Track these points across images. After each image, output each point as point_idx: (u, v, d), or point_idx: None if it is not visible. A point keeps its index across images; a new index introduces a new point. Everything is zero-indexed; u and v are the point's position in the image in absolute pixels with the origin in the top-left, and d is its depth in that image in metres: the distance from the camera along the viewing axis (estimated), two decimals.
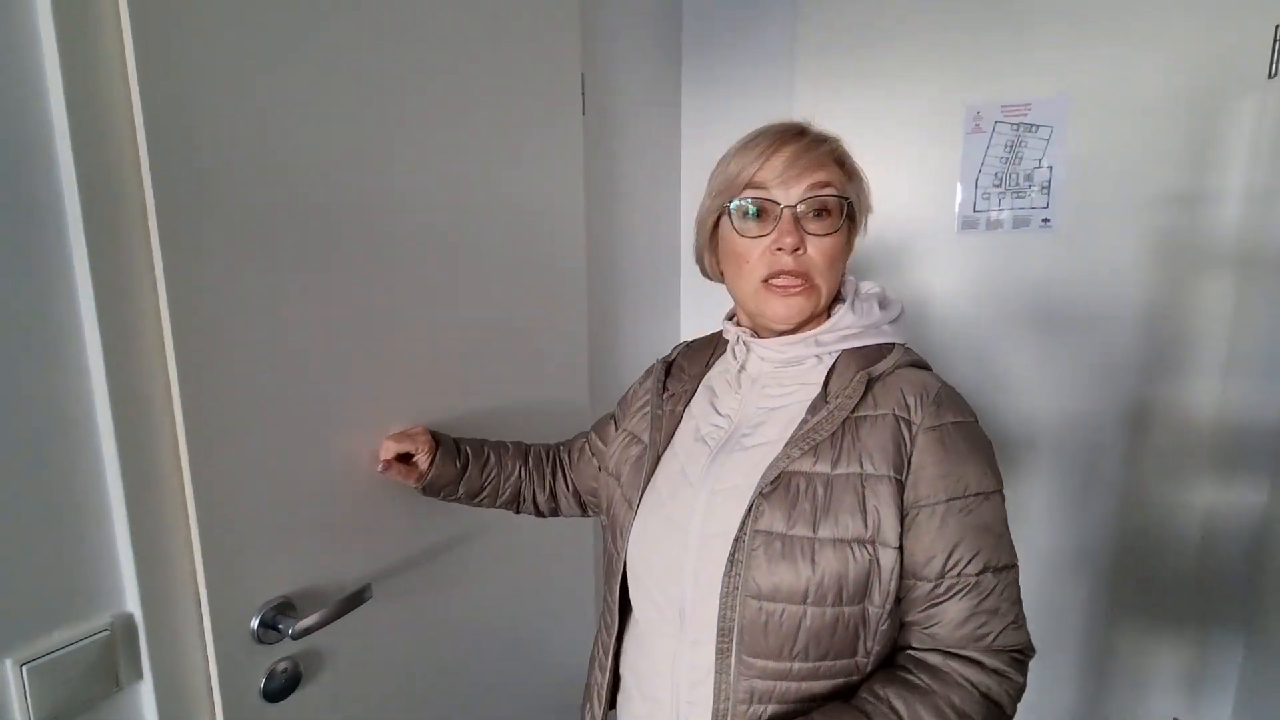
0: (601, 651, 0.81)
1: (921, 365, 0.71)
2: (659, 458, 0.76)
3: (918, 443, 0.63)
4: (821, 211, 0.67)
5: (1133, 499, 1.49)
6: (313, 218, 0.79)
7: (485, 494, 0.92)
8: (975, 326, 1.56)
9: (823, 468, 0.64)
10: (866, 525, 0.61)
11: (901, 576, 0.63)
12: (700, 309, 1.80)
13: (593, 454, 0.93)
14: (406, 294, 0.92)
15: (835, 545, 0.61)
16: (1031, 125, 1.45)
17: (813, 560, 0.61)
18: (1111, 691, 1.56)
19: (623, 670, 0.79)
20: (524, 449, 0.97)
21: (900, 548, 0.62)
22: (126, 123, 0.64)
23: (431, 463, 0.87)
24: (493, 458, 0.93)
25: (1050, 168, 1.45)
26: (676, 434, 0.77)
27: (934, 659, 0.62)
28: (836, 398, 0.66)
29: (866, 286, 0.76)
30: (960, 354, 1.57)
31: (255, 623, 0.76)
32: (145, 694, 0.70)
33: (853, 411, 0.65)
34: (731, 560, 0.64)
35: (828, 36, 1.59)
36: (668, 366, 0.84)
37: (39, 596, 0.62)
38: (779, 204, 0.67)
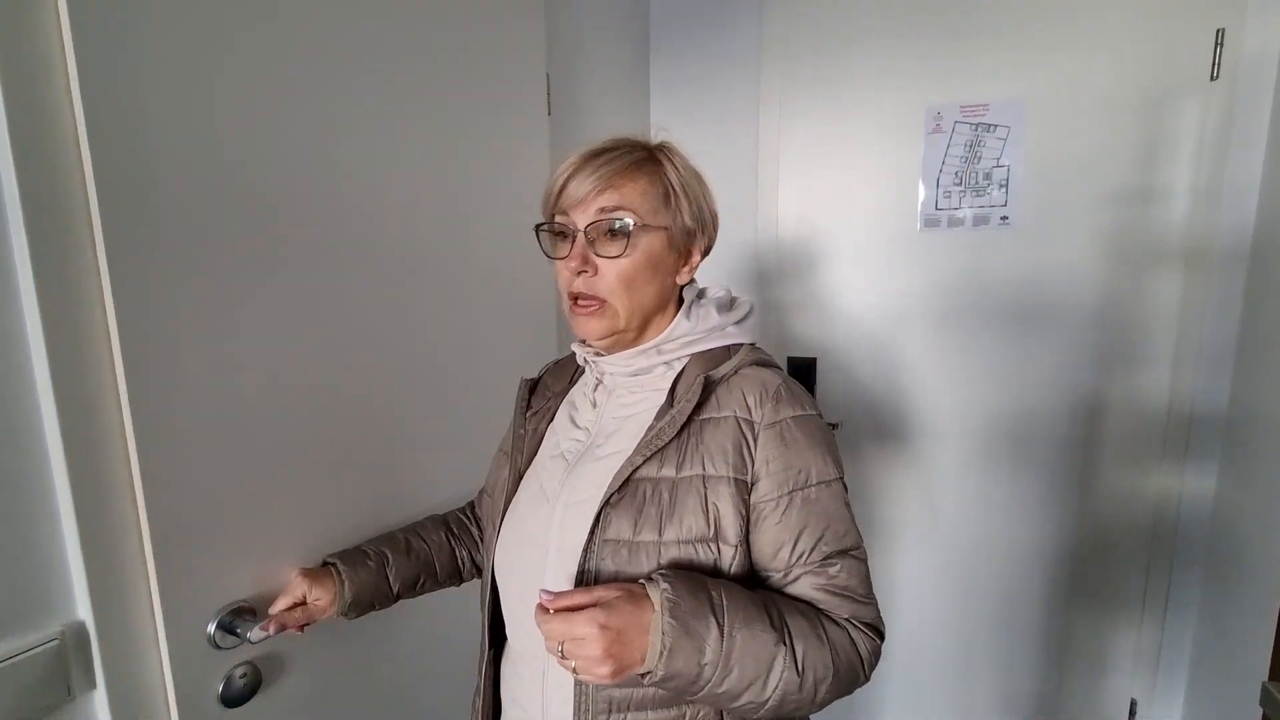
0: (481, 676, 0.79)
1: (767, 363, 0.72)
2: (521, 476, 0.76)
3: (759, 440, 0.65)
4: (613, 234, 0.67)
5: (1089, 487, 1.53)
6: (268, 219, 0.78)
7: (425, 577, 0.87)
8: (938, 322, 1.59)
9: (668, 472, 0.65)
10: (709, 525, 0.63)
11: (744, 568, 0.65)
12: None
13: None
14: (365, 295, 0.91)
15: (680, 546, 0.63)
16: (990, 125, 1.49)
17: (659, 561, 0.63)
18: (1072, 676, 1.60)
19: (502, 692, 0.78)
20: (440, 519, 0.93)
21: (741, 544, 0.64)
22: (69, 126, 0.62)
23: (342, 582, 0.80)
24: (412, 539, 0.88)
25: (1008, 166, 1.48)
26: (540, 452, 0.77)
27: (806, 606, 0.65)
28: (679, 402, 0.67)
29: (713, 291, 0.77)
30: (923, 349, 1.61)
31: (212, 628, 0.75)
32: (99, 703, 0.68)
33: (697, 414, 0.67)
34: (581, 572, 0.64)
35: (792, 39, 1.61)
36: (532, 385, 0.84)
37: None
38: (574, 226, 0.68)
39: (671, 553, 0.63)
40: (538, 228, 0.72)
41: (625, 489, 0.65)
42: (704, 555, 0.63)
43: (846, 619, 0.64)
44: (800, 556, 0.64)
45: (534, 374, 0.87)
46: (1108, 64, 1.39)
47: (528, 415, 0.81)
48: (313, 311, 0.85)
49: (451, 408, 1.06)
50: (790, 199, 1.67)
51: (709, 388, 0.67)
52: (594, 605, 0.57)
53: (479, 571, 0.91)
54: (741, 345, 0.73)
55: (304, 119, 0.81)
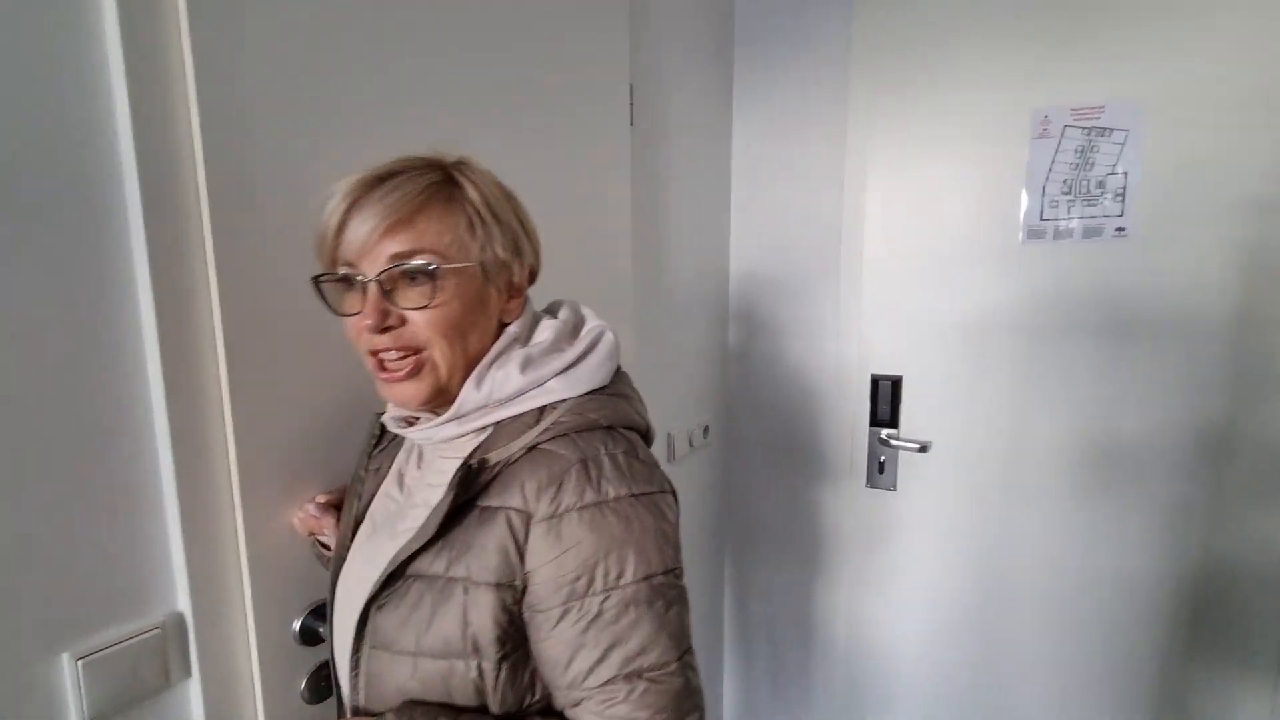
0: None
1: (583, 429, 0.57)
2: (357, 524, 0.68)
3: (530, 539, 0.54)
4: (413, 280, 0.55)
5: (1215, 526, 1.37)
6: None
7: None
8: (1041, 339, 1.47)
9: (438, 568, 0.56)
10: (464, 639, 0.54)
11: (519, 682, 0.56)
12: (749, 322, 1.77)
13: None
14: None
15: (434, 660, 0.55)
16: (1104, 129, 1.37)
17: (413, 672, 0.56)
18: None
19: None
20: None
21: (509, 657, 0.55)
22: (186, 130, 0.66)
23: None
24: None
25: (1125, 174, 1.36)
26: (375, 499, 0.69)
27: None
28: (447, 491, 0.56)
29: (542, 330, 0.63)
30: (1024, 368, 1.49)
31: (297, 625, 0.77)
32: (194, 692, 0.71)
33: (479, 501, 0.56)
34: (353, 672, 0.58)
35: (884, 39, 1.54)
36: (382, 418, 0.72)
37: (95, 594, 0.65)
38: (363, 276, 0.56)
39: (425, 666, 0.55)
40: (316, 280, 0.59)
41: (396, 584, 0.57)
42: (461, 672, 0.54)
43: None
44: (574, 680, 0.53)
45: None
46: (1238, 61, 1.25)
47: (374, 453, 0.71)
48: None
49: None
50: (878, 208, 1.60)
51: (481, 476, 0.56)
52: None
53: None
54: (561, 404, 0.59)
55: (395, 129, 0.83)
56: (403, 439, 0.70)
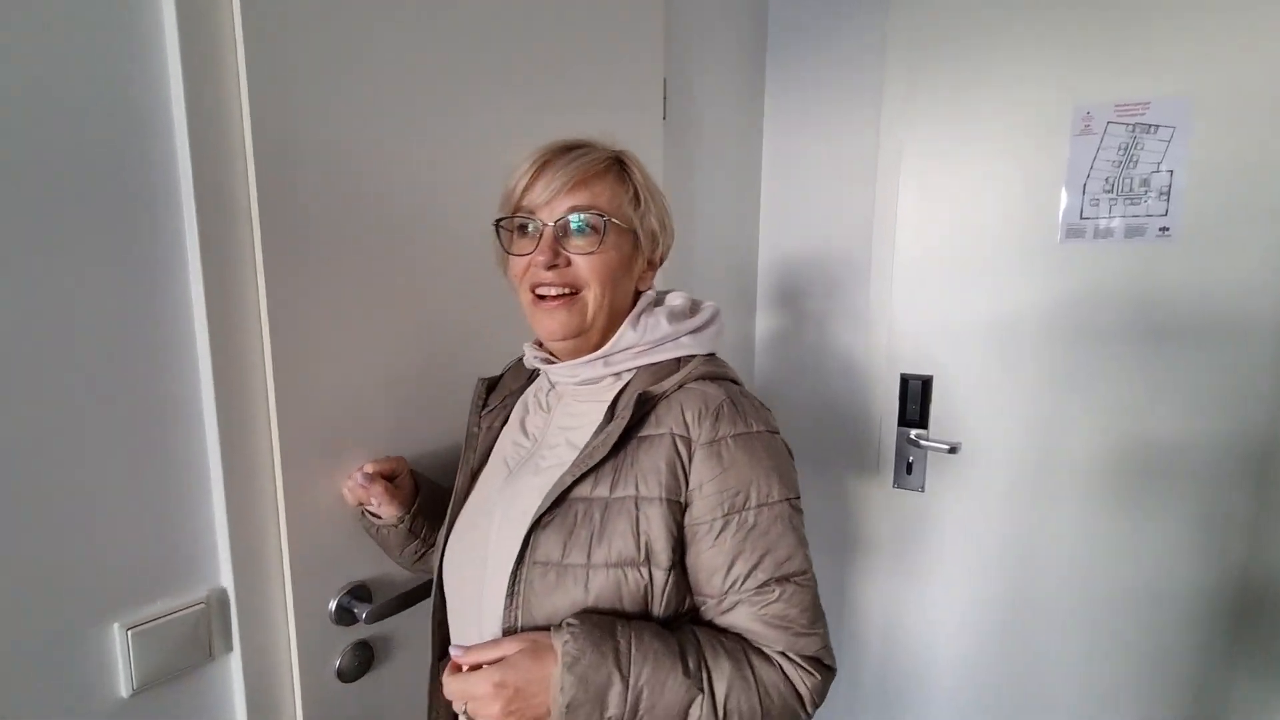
0: (430, 681, 0.77)
1: (719, 377, 0.68)
2: (473, 477, 0.75)
3: (694, 459, 0.62)
4: (585, 229, 0.65)
5: (1261, 538, 1.33)
6: (395, 223, 0.82)
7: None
8: (1077, 341, 1.44)
9: (602, 491, 0.63)
10: (639, 549, 0.61)
11: (680, 592, 0.63)
12: (778, 319, 1.76)
13: None
14: (479, 302, 0.93)
15: (608, 570, 0.61)
16: (1150, 126, 1.33)
17: (586, 585, 0.61)
18: None
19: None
20: None
21: (675, 568, 0.62)
22: (238, 131, 0.68)
23: (417, 488, 0.82)
24: None
25: (1171, 172, 1.32)
26: (493, 453, 0.76)
27: (735, 643, 0.61)
28: (615, 420, 0.64)
29: (672, 298, 0.74)
30: (1060, 370, 1.46)
31: (333, 605, 0.80)
32: (234, 665, 0.74)
33: (636, 432, 0.64)
34: (510, 594, 0.62)
35: (920, 33, 1.52)
36: (491, 383, 0.82)
37: (145, 568, 0.67)
38: (541, 223, 0.66)
39: (599, 577, 0.61)
40: (497, 223, 0.69)
41: (558, 508, 0.63)
42: (633, 580, 0.61)
43: (781, 652, 0.61)
44: (734, 583, 0.61)
45: (496, 372, 0.85)
46: None
47: (483, 413, 0.80)
48: (434, 313, 0.88)
49: None
50: (911, 205, 1.58)
51: (645, 405, 0.64)
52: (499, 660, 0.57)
53: None
54: (695, 356, 0.69)
55: (427, 125, 0.85)
56: (511, 403, 0.79)
